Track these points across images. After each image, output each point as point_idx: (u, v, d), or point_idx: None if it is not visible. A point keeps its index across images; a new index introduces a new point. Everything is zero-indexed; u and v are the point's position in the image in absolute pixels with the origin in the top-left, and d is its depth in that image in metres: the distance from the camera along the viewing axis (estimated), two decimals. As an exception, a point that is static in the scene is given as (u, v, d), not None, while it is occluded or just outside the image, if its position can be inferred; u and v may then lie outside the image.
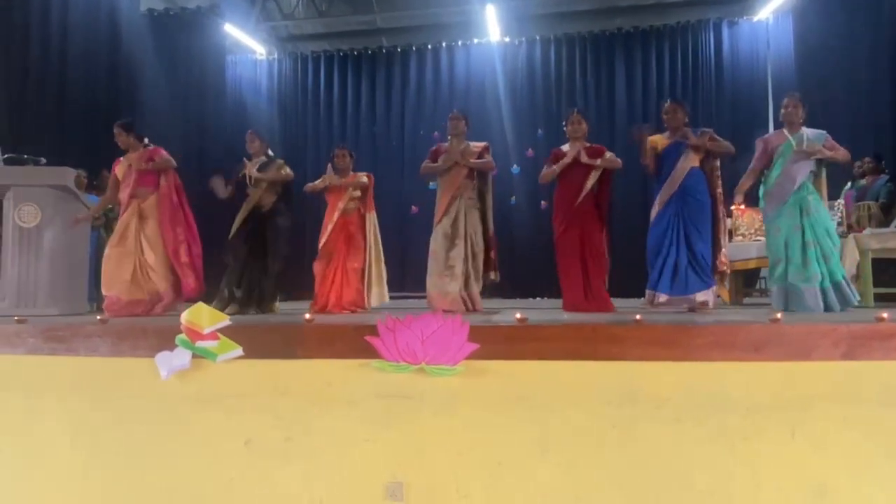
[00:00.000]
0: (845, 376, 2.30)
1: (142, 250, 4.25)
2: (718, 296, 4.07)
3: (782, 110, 3.96)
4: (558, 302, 4.74)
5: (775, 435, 2.26)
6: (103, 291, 4.15)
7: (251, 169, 4.54)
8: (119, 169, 4.41)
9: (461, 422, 2.40)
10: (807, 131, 3.88)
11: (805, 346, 2.33)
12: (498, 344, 2.44)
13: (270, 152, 4.74)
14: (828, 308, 3.64)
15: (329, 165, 4.97)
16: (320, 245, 4.83)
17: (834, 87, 6.63)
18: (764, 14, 8.34)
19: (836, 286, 3.69)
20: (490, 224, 4.59)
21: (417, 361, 2.40)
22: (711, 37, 8.60)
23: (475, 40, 9.20)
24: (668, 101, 4.31)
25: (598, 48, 8.96)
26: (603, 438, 2.33)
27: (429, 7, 9.16)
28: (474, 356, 2.39)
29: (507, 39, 9.07)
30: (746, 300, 5.76)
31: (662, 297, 3.89)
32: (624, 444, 2.31)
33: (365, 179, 4.91)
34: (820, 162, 3.87)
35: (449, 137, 4.59)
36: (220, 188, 4.45)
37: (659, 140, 4.22)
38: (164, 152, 4.43)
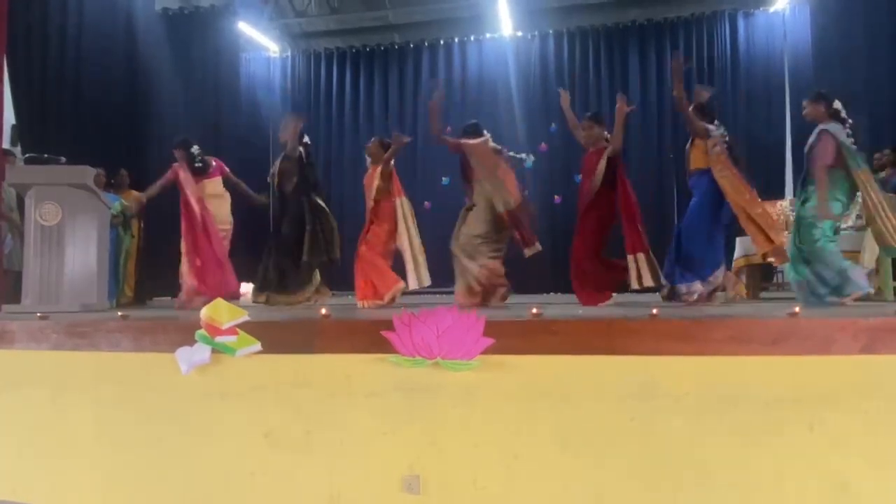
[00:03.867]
0: (865, 370, 2.28)
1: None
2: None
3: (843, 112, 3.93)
4: (572, 297, 4.76)
5: (794, 429, 2.24)
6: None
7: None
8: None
9: (478, 415, 2.41)
10: None
11: (824, 339, 2.31)
12: (513, 338, 2.44)
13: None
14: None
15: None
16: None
17: (852, 78, 6.52)
18: (780, 4, 8.22)
19: None
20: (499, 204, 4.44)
21: (433, 356, 2.42)
22: (727, 28, 8.49)
23: (487, 35, 9.17)
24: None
25: (611, 41, 8.87)
26: (621, 432, 2.33)
27: (441, 2, 9.14)
28: (490, 350, 2.40)
29: (519, 34, 9.02)
30: (763, 294, 5.71)
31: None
32: (642, 438, 2.32)
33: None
34: None
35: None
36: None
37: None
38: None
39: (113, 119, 6.91)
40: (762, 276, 5.84)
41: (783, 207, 5.67)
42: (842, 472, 2.22)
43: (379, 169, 4.73)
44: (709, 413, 2.29)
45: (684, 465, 2.29)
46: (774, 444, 2.25)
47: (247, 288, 6.78)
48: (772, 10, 8.33)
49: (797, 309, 2.48)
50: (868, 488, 2.20)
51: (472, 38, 9.25)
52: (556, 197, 7.79)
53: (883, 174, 5.57)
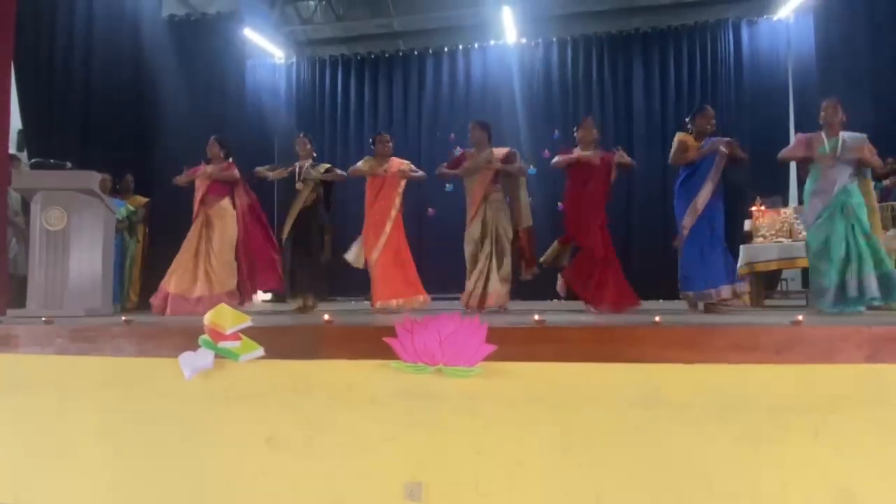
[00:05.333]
0: (870, 379, 2.27)
1: (207, 253, 4.69)
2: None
3: (822, 113, 4.03)
4: (574, 304, 4.75)
5: (799, 437, 2.24)
6: (169, 289, 4.59)
7: (305, 167, 4.86)
8: (199, 175, 4.86)
9: (481, 422, 2.41)
10: (845, 135, 3.95)
11: (828, 348, 2.31)
12: (516, 345, 2.45)
13: (315, 154, 5.06)
14: (865, 296, 3.70)
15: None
16: (384, 241, 4.90)
17: (856, 86, 6.51)
18: (784, 13, 8.23)
19: (884, 277, 3.73)
20: (522, 221, 4.76)
21: (435, 363, 2.42)
22: (731, 36, 8.49)
23: (492, 42, 9.20)
24: (708, 107, 4.49)
25: (615, 49, 8.89)
26: (625, 439, 2.32)
27: (445, 9, 9.17)
28: (492, 357, 2.40)
29: (523, 41, 9.05)
30: (768, 302, 5.69)
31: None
32: (646, 445, 2.31)
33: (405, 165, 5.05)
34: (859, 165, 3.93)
35: (472, 145, 4.78)
36: (270, 173, 4.96)
37: (690, 145, 4.35)
38: (235, 168, 4.91)
39: (119, 124, 6.94)
40: (766, 285, 5.82)
41: (787, 215, 5.66)
42: (846, 480, 2.21)
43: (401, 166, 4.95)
44: (712, 421, 2.29)
45: (688, 473, 2.28)
46: (778, 452, 2.24)
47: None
48: (776, 18, 8.34)
49: (801, 317, 2.47)
50: (872, 496, 2.19)
51: (476, 45, 9.29)
52: (559, 204, 7.78)
53: (887, 182, 5.56)
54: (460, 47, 9.32)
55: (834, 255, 3.79)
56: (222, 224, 4.78)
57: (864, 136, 3.98)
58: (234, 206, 4.87)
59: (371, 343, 2.50)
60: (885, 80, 6.36)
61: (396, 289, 4.77)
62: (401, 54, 9.55)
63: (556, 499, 2.33)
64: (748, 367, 2.32)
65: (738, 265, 5.51)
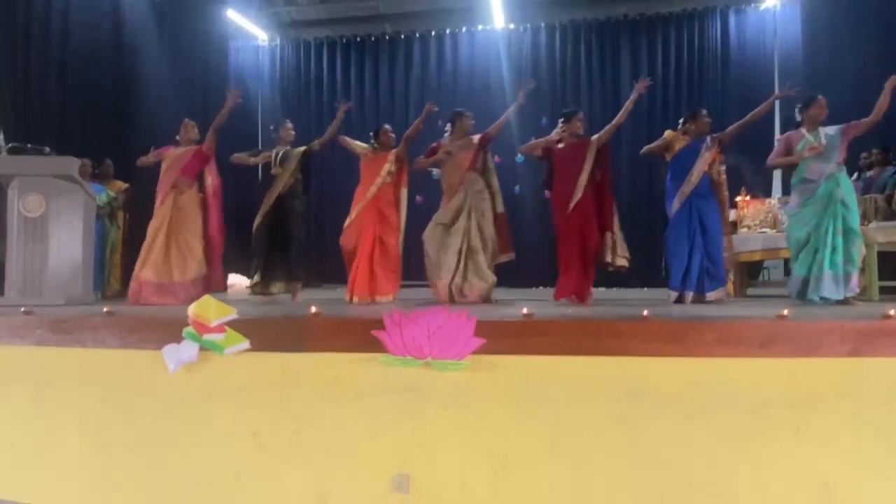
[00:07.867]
0: (852, 373, 2.30)
1: (178, 240, 4.54)
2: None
3: (812, 111, 4.12)
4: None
5: (781, 431, 2.27)
6: (139, 275, 4.43)
7: (282, 152, 4.80)
8: (168, 156, 4.69)
9: (468, 416, 2.41)
10: (824, 129, 4.09)
11: (811, 342, 2.34)
12: (504, 339, 2.44)
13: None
14: (819, 293, 3.85)
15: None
16: (349, 221, 4.74)
17: (841, 75, 6.55)
18: (771, 2, 8.25)
19: (847, 277, 3.88)
20: (497, 207, 4.64)
21: (423, 356, 2.41)
22: (718, 24, 8.51)
23: (479, 27, 9.12)
24: (703, 110, 4.55)
25: (603, 35, 8.87)
26: (610, 433, 2.34)
27: (432, -8, 9.08)
28: (481, 351, 2.39)
29: (511, 26, 8.99)
30: (750, 291, 5.76)
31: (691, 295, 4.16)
32: (631, 440, 2.32)
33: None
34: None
35: (448, 132, 4.74)
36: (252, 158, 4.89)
37: (677, 139, 4.41)
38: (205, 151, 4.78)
39: (98, 108, 6.79)
40: (749, 275, 5.89)
41: (772, 205, 5.71)
42: (827, 473, 2.24)
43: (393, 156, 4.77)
44: (697, 415, 2.31)
45: (673, 466, 2.30)
46: (761, 446, 2.27)
47: (235, 279, 6.76)
48: (762, 6, 8.36)
49: (786, 311, 2.50)
50: (853, 490, 2.23)
51: (463, 29, 9.21)
52: (546, 192, 7.77)
53: (870, 173, 5.62)
54: (447, 31, 9.23)
55: (810, 247, 3.93)
56: (194, 210, 4.65)
57: (839, 126, 4.11)
58: (203, 188, 4.72)
59: (359, 336, 2.48)
60: (870, 70, 6.39)
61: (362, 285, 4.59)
62: (387, 37, 9.43)
63: (543, 492, 2.35)
64: (733, 360, 2.34)
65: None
